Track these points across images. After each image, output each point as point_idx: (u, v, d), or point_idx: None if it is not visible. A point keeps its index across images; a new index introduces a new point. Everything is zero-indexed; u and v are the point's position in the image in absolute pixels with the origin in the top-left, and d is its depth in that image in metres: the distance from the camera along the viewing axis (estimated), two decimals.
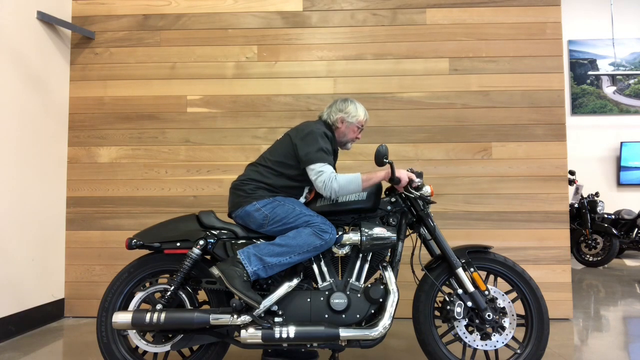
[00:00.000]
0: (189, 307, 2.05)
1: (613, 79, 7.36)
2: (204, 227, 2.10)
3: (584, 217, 6.20)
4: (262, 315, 1.95)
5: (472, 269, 2.10)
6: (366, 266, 2.10)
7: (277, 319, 1.96)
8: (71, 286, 3.36)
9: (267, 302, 1.94)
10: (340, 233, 2.08)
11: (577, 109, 7.39)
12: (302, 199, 2.21)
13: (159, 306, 1.99)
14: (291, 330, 1.90)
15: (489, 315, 2.04)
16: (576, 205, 6.38)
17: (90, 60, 3.47)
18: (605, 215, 6.51)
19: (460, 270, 2.08)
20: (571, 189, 6.64)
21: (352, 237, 2.06)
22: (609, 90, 7.37)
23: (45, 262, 3.17)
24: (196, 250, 2.02)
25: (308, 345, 1.95)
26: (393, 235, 2.04)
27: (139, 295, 2.05)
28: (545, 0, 3.37)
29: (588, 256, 6.15)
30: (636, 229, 6.39)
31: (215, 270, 1.94)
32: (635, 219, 6.46)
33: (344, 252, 2.09)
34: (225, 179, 3.36)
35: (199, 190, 3.37)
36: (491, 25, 3.39)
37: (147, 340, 2.03)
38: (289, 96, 3.39)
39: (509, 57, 3.37)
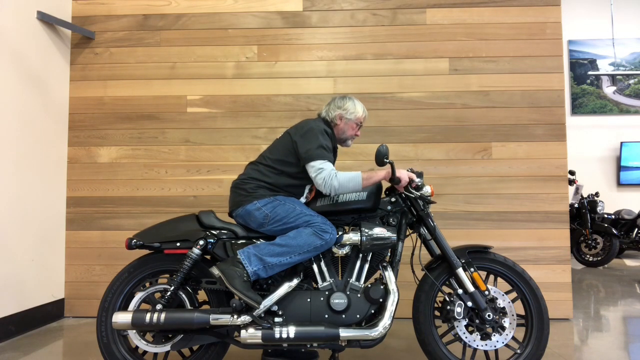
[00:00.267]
0: (189, 307, 2.05)
1: (613, 79, 7.36)
2: (204, 227, 2.10)
3: (584, 217, 6.20)
4: (262, 315, 1.95)
5: (472, 269, 2.10)
6: (366, 266, 2.10)
7: (277, 319, 1.96)
8: (71, 286, 3.36)
9: (267, 302, 1.94)
10: (340, 233, 2.08)
11: (577, 109, 7.39)
12: (303, 199, 2.21)
13: (159, 306, 1.99)
14: (291, 331, 1.90)
15: (489, 315, 2.04)
16: (576, 205, 6.38)
17: (90, 60, 3.47)
18: (605, 215, 6.51)
19: (460, 270, 2.08)
20: (571, 189, 6.64)
21: (352, 237, 2.06)
22: (609, 90, 7.37)
23: (45, 262, 3.17)
24: (196, 250, 2.02)
25: (308, 346, 1.95)
26: (393, 235, 2.04)
27: (139, 296, 2.05)
28: (545, 0, 3.37)
29: (588, 256, 6.14)
30: (636, 229, 6.39)
31: (215, 270, 1.94)
32: (635, 219, 6.46)
33: (344, 252, 2.09)
34: (225, 179, 3.36)
35: (199, 190, 3.37)
36: (491, 25, 3.39)
37: (147, 340, 2.03)
38: (289, 96, 3.39)
39: (509, 57, 3.37)
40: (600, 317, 3.40)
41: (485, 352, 2.12)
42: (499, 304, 2.09)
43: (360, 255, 2.10)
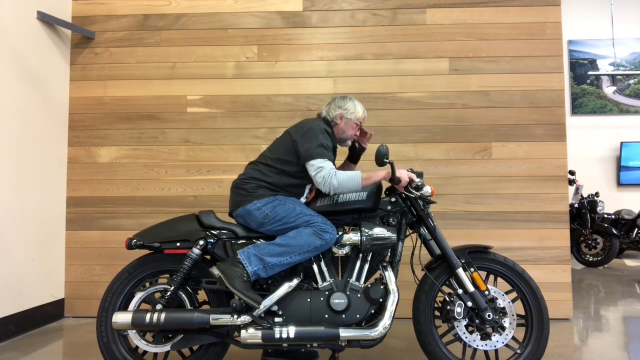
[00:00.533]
0: (189, 307, 2.05)
1: (613, 79, 7.36)
2: (204, 227, 2.10)
3: (584, 217, 6.20)
4: (262, 315, 1.95)
5: (472, 269, 2.10)
6: (366, 266, 2.10)
7: (277, 319, 1.96)
8: (71, 286, 3.36)
9: (267, 302, 1.94)
10: (340, 233, 2.08)
11: (577, 109, 7.39)
12: (303, 199, 2.21)
13: (159, 306, 1.99)
14: (291, 331, 1.90)
15: (489, 315, 2.04)
16: (576, 205, 6.38)
17: (90, 60, 3.47)
18: (605, 215, 6.51)
19: (460, 270, 2.08)
20: (571, 189, 6.64)
21: (352, 237, 2.06)
22: (609, 90, 7.37)
23: (45, 262, 3.17)
24: (196, 250, 2.02)
25: (308, 346, 1.95)
26: (393, 235, 2.04)
27: (139, 295, 2.05)
28: (545, 0, 3.37)
29: (588, 256, 6.14)
30: (636, 229, 6.39)
31: (215, 270, 1.94)
32: (635, 219, 6.46)
33: (344, 252, 2.09)
34: (225, 179, 3.36)
35: (199, 190, 3.37)
36: (491, 25, 3.39)
37: (147, 340, 2.03)
38: (289, 96, 3.39)
39: (509, 57, 3.37)
40: (600, 317, 3.40)
41: (485, 352, 2.12)
42: (499, 304, 2.09)
43: (360, 255, 2.10)
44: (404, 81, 3.38)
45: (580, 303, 3.83)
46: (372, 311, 2.02)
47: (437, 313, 2.18)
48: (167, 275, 2.12)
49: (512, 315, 2.09)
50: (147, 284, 2.08)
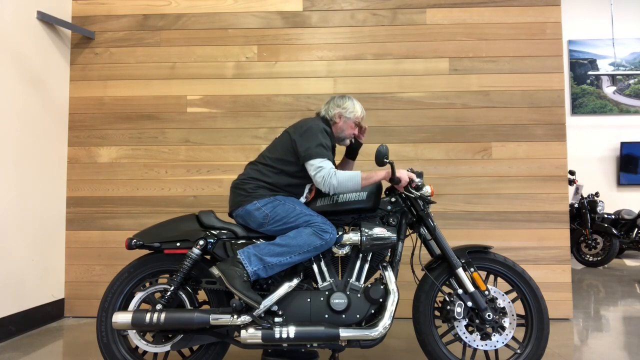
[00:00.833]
0: (189, 307, 2.05)
1: (613, 79, 7.36)
2: (204, 227, 2.10)
3: (584, 217, 6.20)
4: (262, 315, 1.95)
5: (472, 269, 2.10)
6: (366, 266, 2.09)
7: (277, 319, 1.96)
8: (71, 286, 3.36)
9: (267, 302, 1.94)
10: (340, 233, 2.08)
11: (577, 109, 7.39)
12: (303, 199, 2.21)
13: (159, 306, 1.99)
14: (291, 331, 1.90)
15: (489, 315, 2.04)
16: (576, 205, 6.38)
17: (90, 60, 3.47)
18: (605, 215, 6.51)
19: (460, 270, 2.08)
20: (571, 189, 6.64)
21: (352, 237, 2.06)
22: (609, 90, 7.37)
23: (45, 262, 3.17)
24: (196, 250, 2.02)
25: (308, 346, 1.95)
26: (393, 235, 2.04)
27: (139, 296, 2.05)
28: (545, 0, 3.37)
29: (588, 256, 6.14)
30: (636, 229, 6.39)
31: (215, 270, 1.94)
32: (635, 219, 6.46)
33: (344, 252, 2.09)
34: (225, 179, 3.36)
35: (199, 190, 3.37)
36: (491, 25, 3.39)
37: (147, 340, 2.03)
38: (289, 96, 3.39)
39: (509, 57, 3.37)
40: (600, 317, 3.40)
41: (485, 352, 2.12)
42: (499, 304, 2.09)
43: (360, 255, 2.10)
44: (404, 81, 3.38)
45: (580, 303, 3.83)
46: (372, 311, 2.02)
47: (437, 313, 2.18)
48: (167, 275, 2.12)
49: (512, 315, 2.08)
50: (147, 284, 2.08)
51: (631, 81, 7.35)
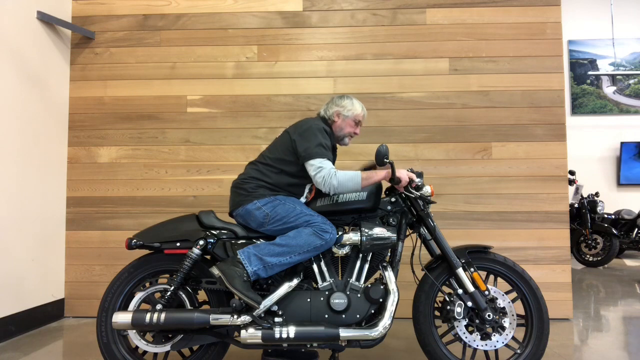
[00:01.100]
0: (189, 307, 2.05)
1: (613, 79, 7.36)
2: (204, 227, 2.10)
3: (584, 217, 6.20)
4: (262, 315, 1.95)
5: (472, 269, 2.10)
6: (366, 266, 2.09)
7: (277, 319, 1.96)
8: (71, 286, 3.36)
9: (267, 302, 1.94)
10: (340, 233, 2.08)
11: (577, 109, 7.39)
12: (303, 199, 2.21)
13: (159, 306, 1.99)
14: (291, 331, 1.90)
15: (489, 315, 2.04)
16: (576, 205, 6.38)
17: (90, 60, 3.47)
18: (605, 215, 6.51)
19: (460, 270, 2.08)
20: (571, 189, 6.64)
21: (352, 237, 2.06)
22: (609, 90, 7.37)
23: (45, 262, 3.17)
24: (196, 250, 2.02)
25: (308, 346, 1.95)
26: (393, 235, 2.04)
27: (139, 296, 2.05)
28: (545, 0, 3.37)
29: (588, 256, 6.14)
30: (636, 229, 6.39)
31: (215, 270, 1.94)
32: (635, 219, 6.46)
33: (344, 252, 2.09)
34: (225, 179, 3.36)
35: (199, 190, 3.37)
36: (491, 25, 3.39)
37: (147, 340, 2.03)
38: (289, 96, 3.39)
39: (509, 57, 3.37)
40: (600, 317, 3.40)
41: (485, 352, 2.12)
42: (499, 304, 2.09)
43: (360, 255, 2.09)
44: (404, 81, 3.38)
45: (580, 303, 3.83)
46: (372, 311, 2.02)
47: (437, 313, 2.18)
48: (167, 275, 2.12)
49: (512, 315, 2.09)
50: (147, 284, 2.08)
51: (631, 81, 7.35)
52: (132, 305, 2.04)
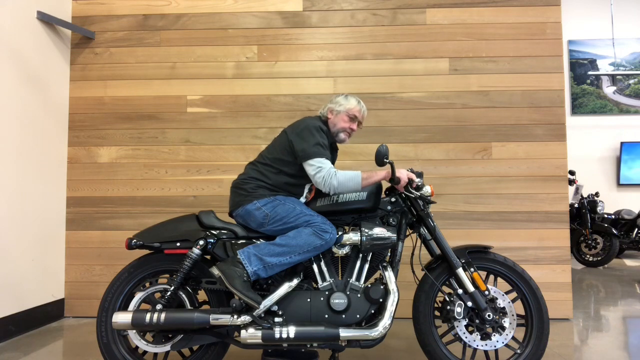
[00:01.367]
0: (189, 307, 2.05)
1: (613, 79, 7.36)
2: (204, 227, 2.10)
3: (584, 217, 6.20)
4: (262, 315, 1.95)
5: (472, 269, 2.10)
6: (366, 266, 2.09)
7: (277, 319, 1.96)
8: (71, 286, 3.36)
9: (267, 302, 1.94)
10: (340, 233, 2.08)
11: (577, 109, 7.39)
12: (303, 199, 2.21)
13: (159, 306, 1.99)
14: (291, 331, 1.90)
15: (489, 315, 2.04)
16: (576, 205, 6.38)
17: (90, 60, 3.47)
18: (605, 215, 6.51)
19: (460, 270, 2.08)
20: (571, 189, 6.64)
21: (352, 237, 2.06)
22: (609, 90, 7.37)
23: (45, 262, 3.17)
24: (196, 250, 2.02)
25: (308, 346, 1.95)
26: (393, 235, 2.04)
27: (138, 296, 2.05)
28: (545, 0, 3.37)
29: (588, 256, 6.14)
30: (636, 229, 6.39)
31: (215, 270, 1.94)
32: (635, 219, 6.46)
33: (344, 252, 2.09)
34: (225, 179, 3.36)
35: (199, 190, 3.37)
36: (491, 25, 3.39)
37: (147, 340, 2.03)
38: (289, 96, 3.39)
39: (509, 57, 3.36)
40: (600, 317, 3.40)
41: (485, 352, 2.12)
42: (499, 304, 2.09)
43: (360, 255, 2.09)
44: (404, 81, 3.38)
45: (580, 303, 3.83)
46: (372, 311, 2.02)
47: (437, 313, 2.18)
48: (167, 275, 2.12)
49: (512, 315, 2.09)
50: (147, 284, 2.08)
51: (631, 81, 7.35)
52: (132, 305, 2.04)
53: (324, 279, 2.07)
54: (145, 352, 2.07)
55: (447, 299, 2.09)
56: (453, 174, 3.33)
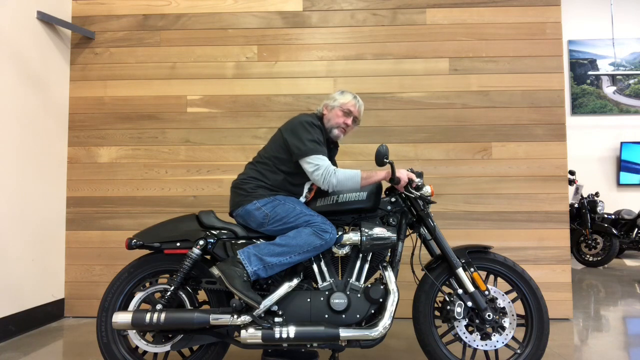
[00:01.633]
0: (189, 307, 2.05)
1: (613, 79, 7.36)
2: (204, 227, 2.10)
3: (584, 217, 6.20)
4: (262, 315, 1.95)
5: (472, 269, 2.10)
6: (366, 266, 2.09)
7: (277, 319, 1.96)
8: (71, 286, 3.36)
9: (267, 302, 1.94)
10: (340, 233, 2.08)
11: (577, 109, 7.39)
12: (303, 198, 2.21)
13: (159, 306, 1.99)
14: (291, 331, 1.90)
15: (489, 315, 2.04)
16: (576, 205, 6.38)
17: (90, 60, 3.47)
18: (605, 215, 6.51)
19: (460, 270, 2.08)
20: (571, 189, 6.64)
21: (352, 237, 2.06)
22: (609, 90, 7.37)
23: (45, 262, 3.17)
24: (196, 250, 2.02)
25: (308, 345, 1.94)
26: (393, 235, 2.04)
27: (139, 295, 2.05)
28: (545, 0, 3.37)
29: (588, 256, 6.14)
30: (636, 229, 6.39)
31: (215, 270, 1.94)
32: (635, 219, 6.46)
33: (344, 252, 2.09)
34: (225, 179, 3.36)
35: (199, 190, 3.37)
36: (491, 25, 3.39)
37: (147, 340, 2.03)
38: (289, 96, 3.39)
39: (509, 57, 3.36)
40: (600, 317, 3.40)
41: (485, 352, 2.12)
42: (499, 304, 2.09)
43: (360, 255, 2.09)
44: (404, 81, 3.38)
45: (580, 303, 3.83)
46: (372, 311, 2.02)
47: (437, 313, 2.18)
48: (167, 275, 2.12)
49: (512, 315, 2.08)
50: (147, 284, 2.08)
51: (631, 81, 7.35)
52: (132, 305, 2.04)
53: (324, 279, 2.07)
54: (145, 352, 2.07)
55: (447, 299, 2.09)
56: (453, 174, 3.33)
